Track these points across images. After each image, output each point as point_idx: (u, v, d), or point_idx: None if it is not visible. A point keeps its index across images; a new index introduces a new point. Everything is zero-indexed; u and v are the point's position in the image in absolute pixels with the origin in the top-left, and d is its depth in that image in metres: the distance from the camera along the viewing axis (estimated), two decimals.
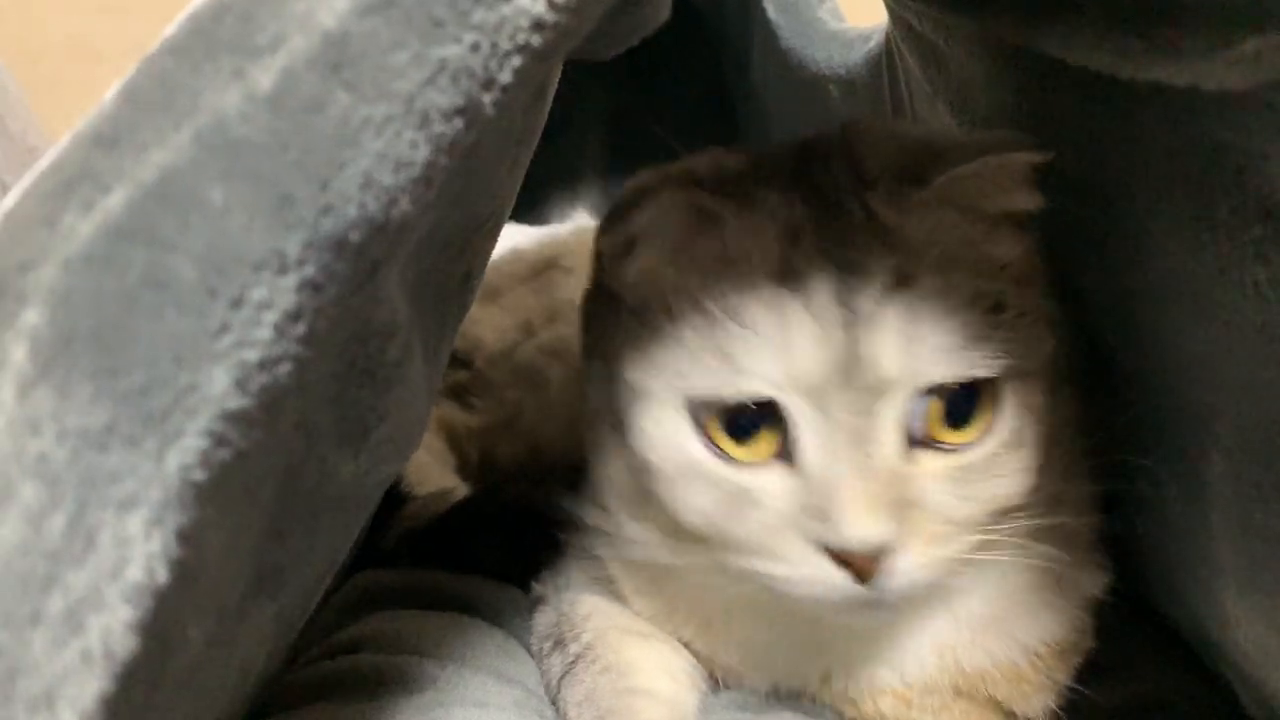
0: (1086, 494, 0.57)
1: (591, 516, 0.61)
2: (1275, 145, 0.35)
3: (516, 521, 0.71)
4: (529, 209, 1.29)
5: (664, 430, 0.49)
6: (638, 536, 0.56)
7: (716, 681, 0.63)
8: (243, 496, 0.27)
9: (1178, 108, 0.40)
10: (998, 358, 0.46)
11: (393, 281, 0.31)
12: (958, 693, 0.59)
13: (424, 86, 0.26)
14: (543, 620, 0.65)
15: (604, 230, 0.52)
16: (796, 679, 0.61)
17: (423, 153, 0.27)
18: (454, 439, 0.93)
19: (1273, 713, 0.54)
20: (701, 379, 0.47)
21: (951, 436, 0.47)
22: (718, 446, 0.48)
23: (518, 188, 0.58)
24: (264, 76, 0.25)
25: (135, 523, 0.22)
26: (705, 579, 0.54)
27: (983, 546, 0.49)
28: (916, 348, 0.45)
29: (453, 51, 0.27)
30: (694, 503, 0.48)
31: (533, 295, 0.98)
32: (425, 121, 0.27)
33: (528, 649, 0.66)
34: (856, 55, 0.94)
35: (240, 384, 0.24)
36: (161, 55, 0.26)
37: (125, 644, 0.21)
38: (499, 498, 0.76)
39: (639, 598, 0.62)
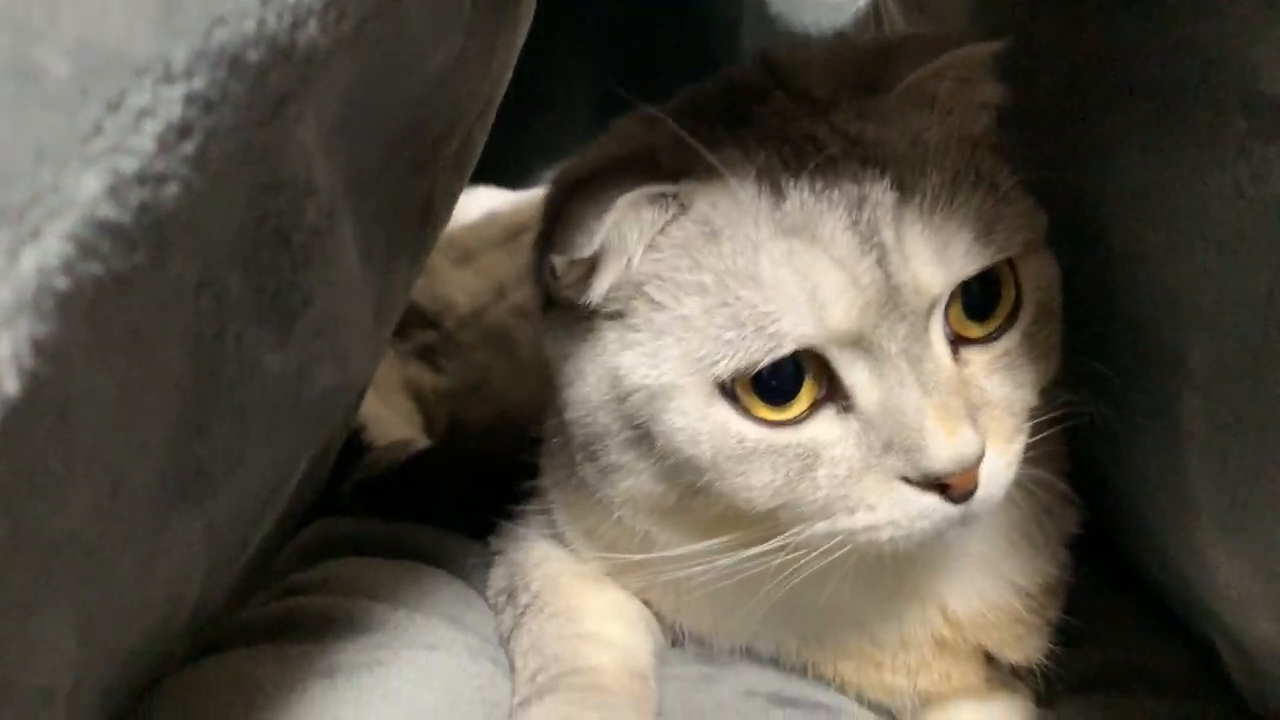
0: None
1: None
2: (1257, 32, 0.34)
3: (476, 474, 0.69)
4: (518, 184, 1.28)
5: (699, 420, 0.45)
6: (659, 536, 0.52)
7: (677, 636, 0.62)
8: (131, 340, 0.25)
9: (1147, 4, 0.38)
10: (1016, 233, 0.45)
11: (309, 134, 0.29)
12: (941, 647, 0.57)
13: None
14: (497, 574, 0.64)
15: (556, 250, 0.46)
16: (764, 643, 0.59)
17: None
18: (422, 401, 0.91)
19: (1253, 664, 0.52)
20: (726, 356, 0.44)
21: (977, 330, 0.46)
22: (756, 415, 0.45)
23: (478, 133, 0.56)
24: None
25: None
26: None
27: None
28: (950, 253, 0.44)
29: None
30: (756, 480, 0.45)
31: (507, 257, 0.96)
32: None
33: (488, 602, 0.64)
34: (844, 17, 0.94)
35: (114, 192, 0.22)
36: None
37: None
38: (458, 450, 0.75)
39: (594, 553, 0.60)
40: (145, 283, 0.24)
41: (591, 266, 0.46)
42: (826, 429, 0.44)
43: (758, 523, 0.46)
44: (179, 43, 0.23)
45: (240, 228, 0.29)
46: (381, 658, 0.52)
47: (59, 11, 0.21)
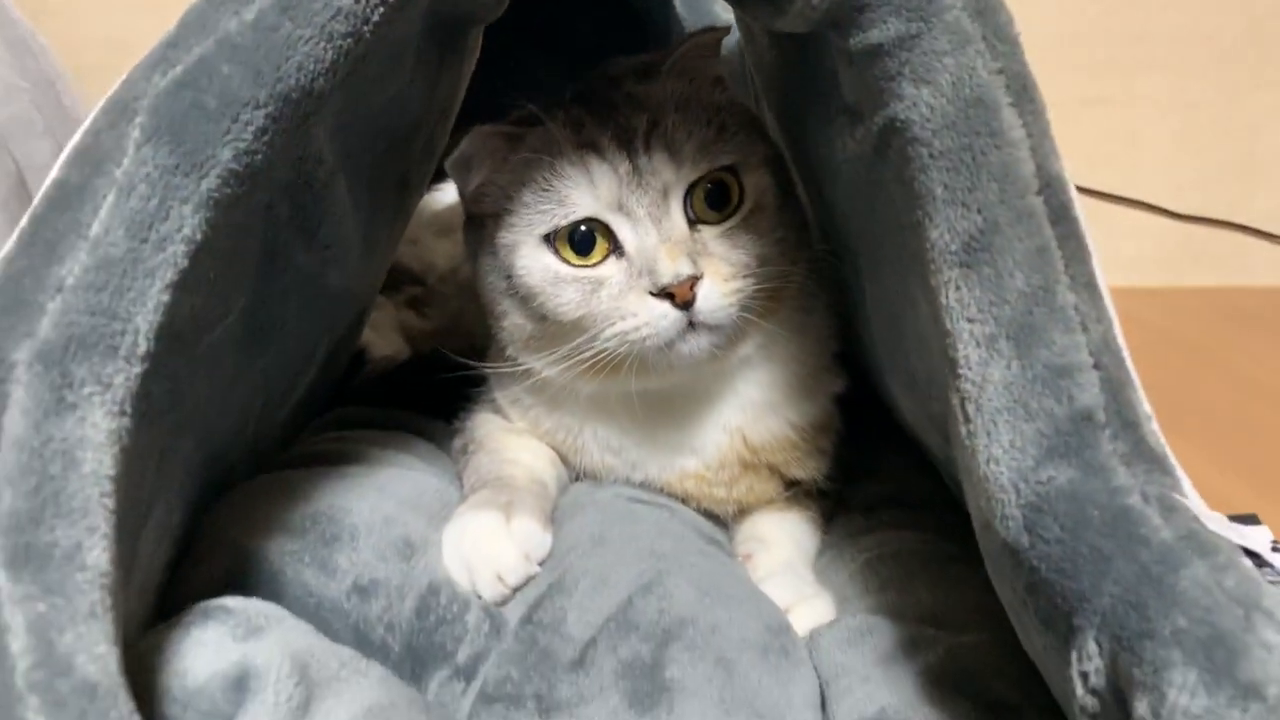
0: (822, 305, 0.84)
1: (494, 370, 0.87)
2: (837, 62, 0.61)
3: (447, 371, 0.97)
4: None
5: (534, 262, 0.75)
6: (533, 361, 0.81)
7: (577, 475, 0.90)
8: (237, 233, 0.53)
9: (809, 48, 0.66)
10: (728, 154, 0.73)
11: (320, 131, 0.58)
12: (745, 466, 0.84)
13: (330, 19, 0.53)
14: (456, 442, 0.91)
15: (451, 167, 0.78)
16: (632, 472, 0.86)
17: (329, 55, 0.53)
18: (411, 338, 1.19)
19: (951, 474, 0.78)
20: (545, 221, 0.73)
21: (715, 216, 0.73)
22: (568, 260, 0.74)
23: (438, 135, 0.84)
24: (248, 12, 0.51)
25: (187, 211, 0.48)
26: (573, 387, 0.80)
27: (764, 296, 0.73)
28: (679, 159, 0.72)
29: (346, 4, 0.53)
30: (564, 298, 0.74)
31: None
32: (330, 38, 0.53)
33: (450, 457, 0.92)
34: (732, 41, 1.21)
35: (235, 159, 0.50)
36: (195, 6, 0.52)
37: (181, 267, 0.47)
38: (433, 360, 1.03)
39: (521, 418, 0.88)
40: (244, 201, 0.52)
41: (466, 172, 0.77)
42: (608, 268, 0.72)
43: (576, 334, 0.74)
44: (261, 89, 0.51)
45: (287, 177, 0.57)
46: (375, 469, 0.79)
47: (214, 79, 0.50)
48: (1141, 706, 0.43)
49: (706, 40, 0.77)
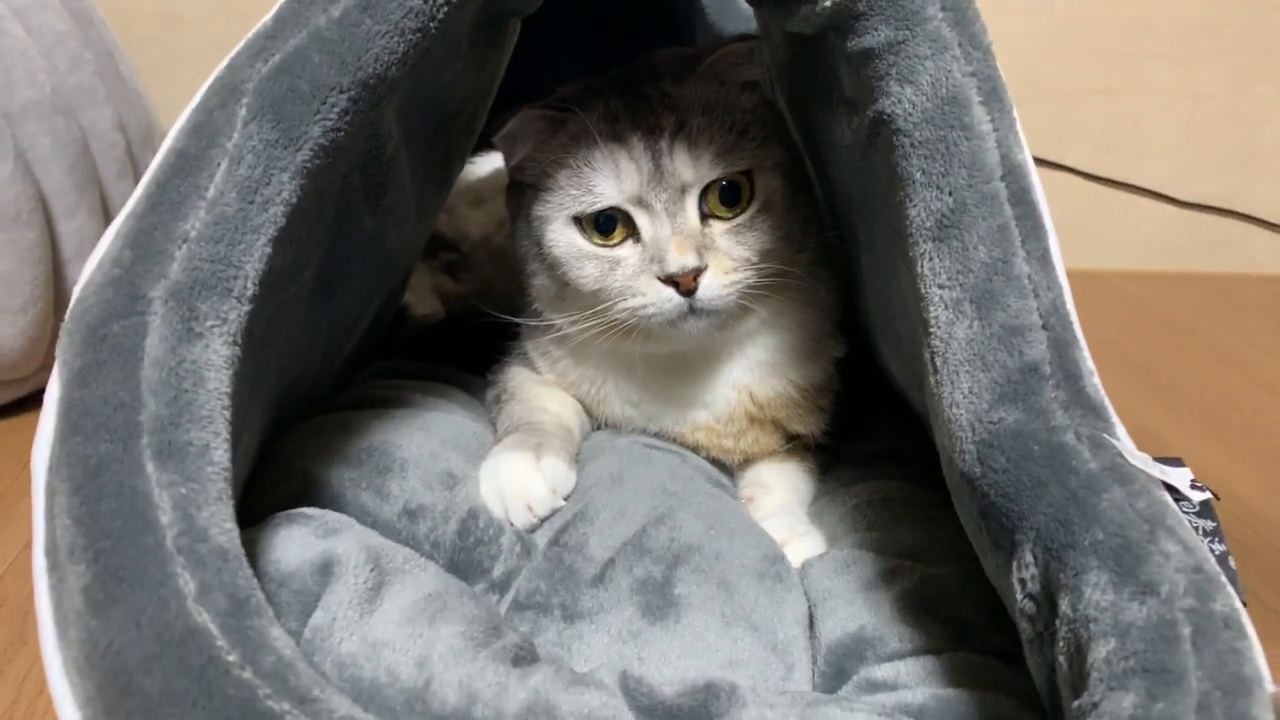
0: (827, 279, 0.93)
1: (525, 324, 0.96)
2: (837, 61, 0.70)
3: (481, 330, 1.07)
4: None
5: (561, 237, 0.84)
6: (556, 319, 0.90)
7: (599, 425, 0.99)
8: (320, 197, 0.63)
9: (816, 46, 0.75)
10: (744, 159, 0.82)
11: (389, 112, 0.67)
12: (751, 420, 0.93)
13: (403, 17, 0.62)
14: (490, 392, 1.00)
15: (499, 140, 0.87)
16: (649, 423, 0.96)
17: (401, 47, 0.62)
18: (446, 300, 1.29)
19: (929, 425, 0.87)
20: (575, 203, 0.83)
21: (726, 213, 0.81)
22: (592, 240, 0.83)
23: (479, 113, 0.93)
24: (335, 10, 0.60)
25: (285, 178, 0.57)
26: (592, 344, 0.89)
27: (763, 287, 0.82)
28: (699, 161, 0.80)
29: (416, 4, 0.62)
30: (585, 272, 0.83)
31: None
32: (402, 33, 0.62)
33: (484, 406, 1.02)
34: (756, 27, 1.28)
35: (324, 134, 0.59)
36: (288, 3, 0.62)
37: (280, 225, 0.57)
38: (469, 318, 1.12)
39: (549, 370, 0.98)
40: (329, 171, 0.62)
41: (511, 148, 0.86)
42: (625, 250, 0.81)
43: (594, 302, 0.83)
44: (345, 75, 0.60)
45: (362, 151, 0.66)
46: (420, 412, 0.89)
47: (306, 67, 0.59)
48: (1064, 604, 0.52)
49: (739, 49, 0.85)
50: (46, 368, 1.33)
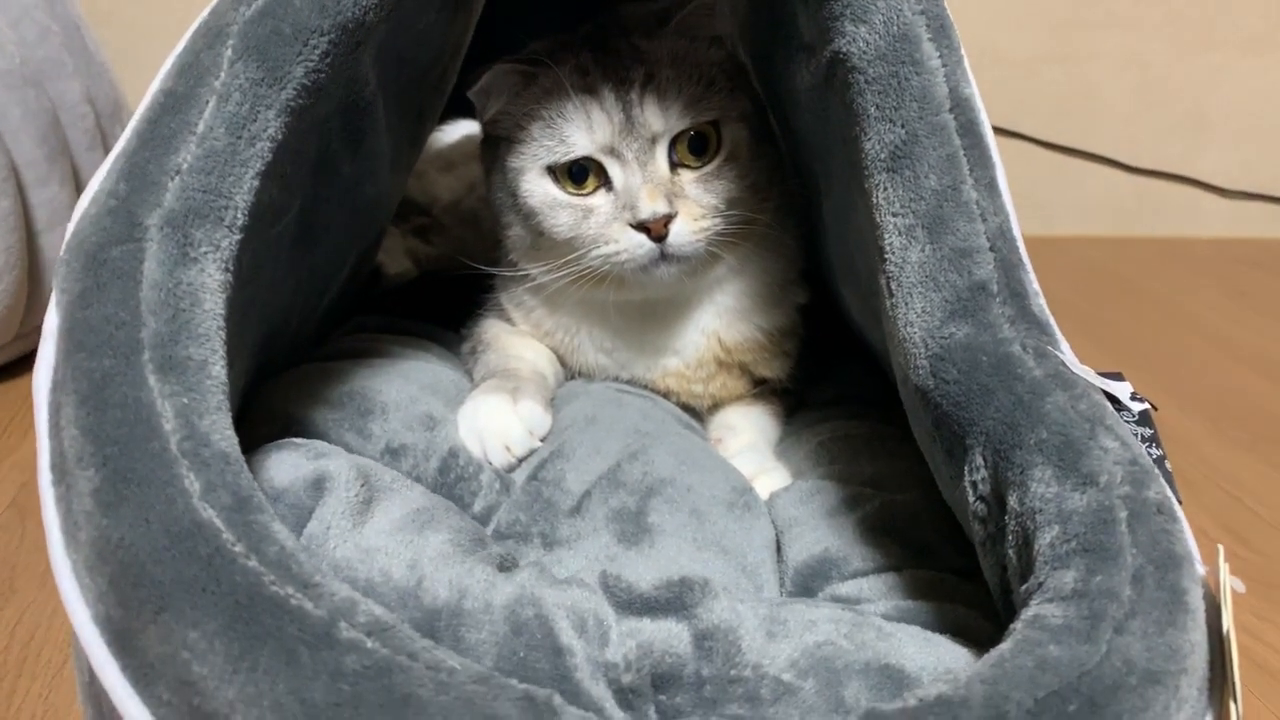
0: (792, 228, 0.96)
1: (500, 274, 0.99)
2: (796, 7, 0.74)
3: (454, 287, 1.10)
4: None
5: (536, 187, 0.87)
6: (531, 269, 0.94)
7: (573, 374, 1.03)
8: (304, 135, 0.65)
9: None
10: (711, 110, 0.85)
11: (367, 58, 0.70)
12: (719, 365, 0.97)
13: None
14: (465, 344, 1.03)
15: (474, 95, 0.90)
16: (621, 370, 0.99)
17: None
18: (418, 263, 1.31)
19: (886, 361, 0.91)
20: (549, 154, 0.86)
21: (694, 162, 0.85)
22: (565, 189, 0.86)
23: (449, 73, 0.96)
24: None
25: (270, 115, 0.60)
26: (566, 293, 0.92)
27: (730, 234, 0.86)
28: (668, 111, 0.84)
29: None
30: (559, 220, 0.86)
31: (478, 165, 1.36)
32: None
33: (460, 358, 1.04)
34: None
35: (307, 74, 0.62)
36: None
37: (267, 160, 0.60)
38: (442, 275, 1.15)
39: (524, 321, 1.01)
40: (310, 112, 0.64)
41: (485, 100, 0.89)
42: (598, 199, 0.85)
43: (568, 251, 0.86)
44: (325, 18, 0.63)
45: (341, 94, 0.69)
46: (398, 361, 0.92)
47: (289, 9, 0.62)
48: (1012, 499, 0.56)
49: (707, 3, 0.88)
50: (22, 337, 1.34)
